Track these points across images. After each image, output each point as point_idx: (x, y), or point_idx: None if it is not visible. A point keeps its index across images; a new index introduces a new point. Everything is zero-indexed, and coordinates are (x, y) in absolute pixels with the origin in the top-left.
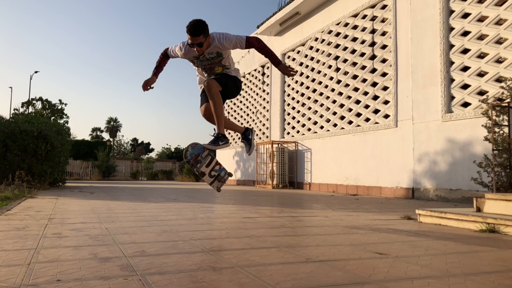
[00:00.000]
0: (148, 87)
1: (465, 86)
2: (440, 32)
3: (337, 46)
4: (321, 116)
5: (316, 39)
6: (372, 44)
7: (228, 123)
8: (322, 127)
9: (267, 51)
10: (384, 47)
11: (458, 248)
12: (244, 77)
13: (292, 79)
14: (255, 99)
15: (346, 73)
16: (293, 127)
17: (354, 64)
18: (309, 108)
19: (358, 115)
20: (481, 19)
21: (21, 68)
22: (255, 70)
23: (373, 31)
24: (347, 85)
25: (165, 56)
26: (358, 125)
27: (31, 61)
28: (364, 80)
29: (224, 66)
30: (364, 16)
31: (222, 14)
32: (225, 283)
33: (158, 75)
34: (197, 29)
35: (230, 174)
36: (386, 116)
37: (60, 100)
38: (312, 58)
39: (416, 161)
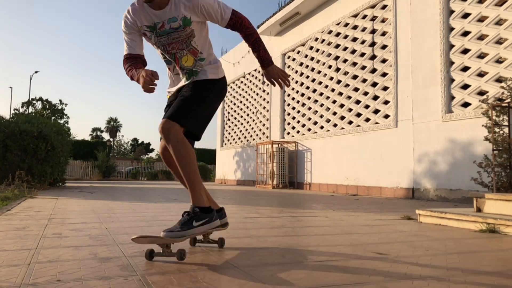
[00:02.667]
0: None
1: (465, 86)
2: (440, 32)
3: (337, 46)
4: (321, 116)
5: (316, 39)
6: (372, 44)
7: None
8: (322, 127)
9: (259, 45)
10: (384, 47)
11: (458, 248)
12: (244, 77)
13: (292, 79)
14: (255, 99)
15: (346, 73)
16: (293, 127)
17: (354, 64)
18: (309, 108)
19: (358, 115)
20: (481, 19)
21: (21, 68)
22: (255, 70)
23: (373, 31)
24: (347, 85)
25: (129, 58)
26: (358, 125)
27: (32, 61)
28: (364, 80)
29: (196, 53)
30: (364, 16)
31: None
32: (225, 283)
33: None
34: None
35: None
36: (386, 116)
37: (60, 100)
38: (312, 58)
39: (416, 161)
